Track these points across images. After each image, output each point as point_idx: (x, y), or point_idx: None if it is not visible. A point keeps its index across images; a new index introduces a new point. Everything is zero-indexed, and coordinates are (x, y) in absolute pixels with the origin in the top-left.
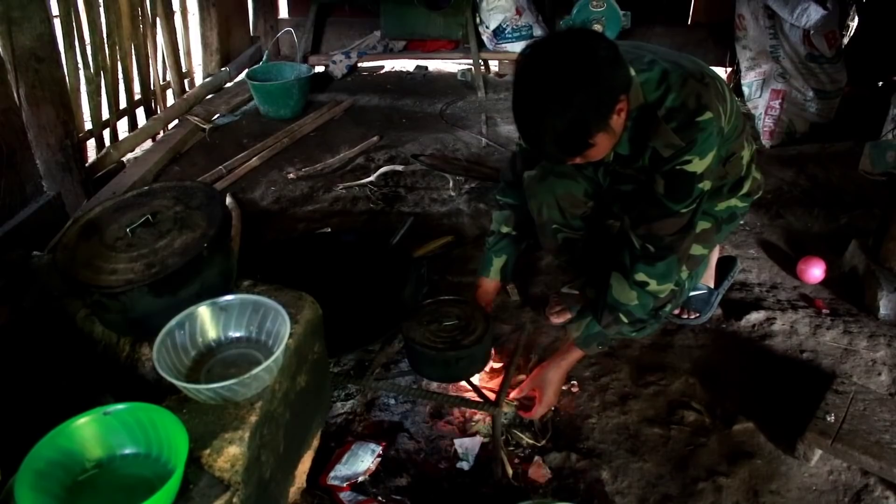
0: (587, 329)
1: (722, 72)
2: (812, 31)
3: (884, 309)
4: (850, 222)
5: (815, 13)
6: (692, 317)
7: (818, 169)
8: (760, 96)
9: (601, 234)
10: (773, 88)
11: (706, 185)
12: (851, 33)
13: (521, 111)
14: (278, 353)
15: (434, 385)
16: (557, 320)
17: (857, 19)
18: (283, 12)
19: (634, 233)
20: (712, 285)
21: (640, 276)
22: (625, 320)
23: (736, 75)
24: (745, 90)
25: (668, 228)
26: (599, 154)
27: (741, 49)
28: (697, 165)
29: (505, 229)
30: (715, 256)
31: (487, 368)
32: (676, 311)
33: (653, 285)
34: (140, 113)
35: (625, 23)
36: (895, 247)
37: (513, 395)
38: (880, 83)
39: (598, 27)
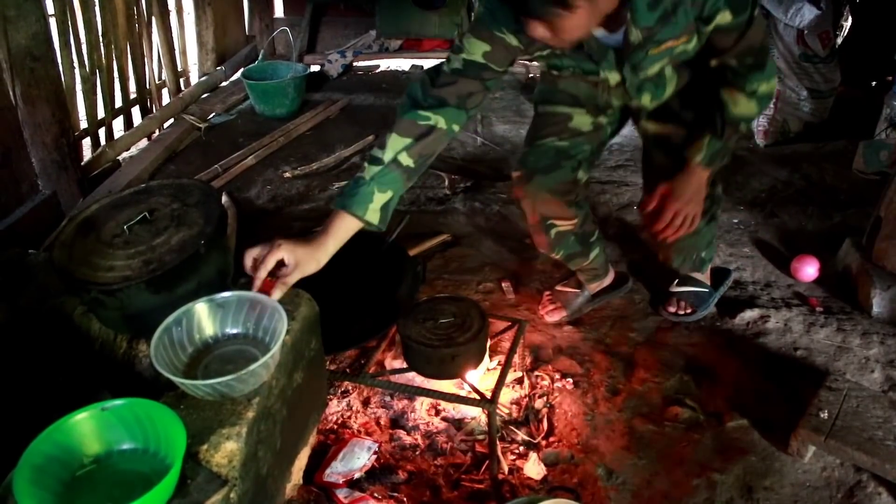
0: (709, 148)
1: None
2: (806, 31)
3: (877, 307)
4: (843, 221)
5: (808, 13)
6: (686, 311)
7: (812, 168)
8: None
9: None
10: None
11: None
12: (845, 33)
13: None
14: (275, 349)
15: (430, 382)
16: (551, 319)
17: (850, 19)
18: (279, 11)
19: (727, 62)
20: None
21: (754, 85)
22: (743, 129)
23: None
24: None
25: (755, 37)
26: (574, 28)
27: None
28: None
29: (405, 159)
30: None
31: (483, 365)
32: (672, 309)
33: (764, 87)
34: (136, 112)
35: None
36: (888, 245)
37: (650, 206)
38: (874, 83)
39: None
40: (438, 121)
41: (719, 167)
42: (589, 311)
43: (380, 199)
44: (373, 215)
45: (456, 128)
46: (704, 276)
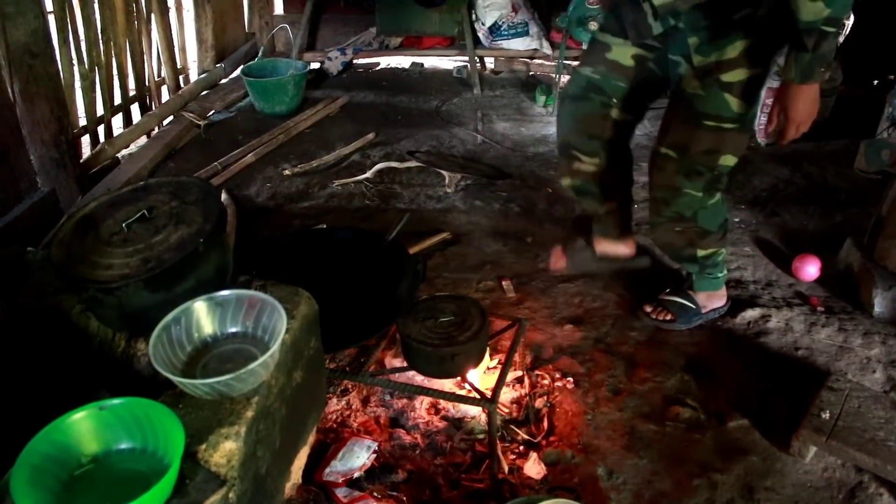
0: (798, 63)
1: None
2: None
3: (878, 307)
4: (845, 220)
5: None
6: (665, 318)
7: (814, 167)
8: None
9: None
10: (768, 87)
11: None
12: (846, 32)
13: None
14: (274, 348)
15: (430, 381)
16: (554, 267)
17: (852, 18)
18: (279, 8)
19: None
20: (718, 305)
21: None
22: (830, 29)
23: None
24: None
25: None
26: None
27: None
28: None
29: None
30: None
31: (483, 364)
32: (649, 309)
33: None
34: (135, 109)
35: None
36: (890, 245)
37: (771, 128)
38: (875, 82)
39: (593, 25)
40: None
41: (718, 132)
42: (593, 271)
43: None
44: None
45: None
46: (700, 297)
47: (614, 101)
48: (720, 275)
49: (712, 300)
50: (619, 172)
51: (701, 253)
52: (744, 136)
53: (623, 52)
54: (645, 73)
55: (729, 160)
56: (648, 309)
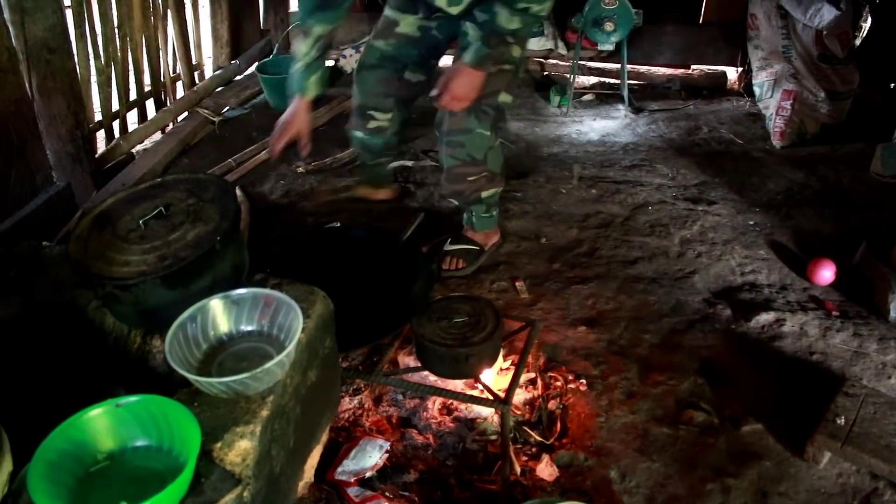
0: (476, 53)
1: (733, 71)
2: (825, 32)
3: (894, 312)
4: (860, 224)
5: (828, 14)
6: (459, 266)
7: (829, 170)
8: (772, 96)
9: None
10: (784, 89)
11: None
12: (864, 34)
13: None
14: (290, 347)
15: (444, 381)
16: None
17: (869, 20)
18: (294, 5)
19: None
20: (494, 240)
21: (522, 4)
22: (510, 40)
23: (747, 75)
24: (757, 90)
25: None
26: None
27: (753, 49)
28: None
29: (315, 53)
30: None
31: (496, 365)
32: (445, 266)
33: (535, 7)
34: (150, 105)
35: (637, 21)
36: None
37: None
38: (893, 85)
39: (609, 25)
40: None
41: (499, 74)
42: (344, 206)
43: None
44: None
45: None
46: (479, 237)
47: (408, 65)
48: (495, 213)
49: (490, 238)
50: (400, 134)
51: (485, 194)
52: (518, 79)
53: (410, 24)
54: (429, 38)
55: (506, 97)
56: (444, 265)
